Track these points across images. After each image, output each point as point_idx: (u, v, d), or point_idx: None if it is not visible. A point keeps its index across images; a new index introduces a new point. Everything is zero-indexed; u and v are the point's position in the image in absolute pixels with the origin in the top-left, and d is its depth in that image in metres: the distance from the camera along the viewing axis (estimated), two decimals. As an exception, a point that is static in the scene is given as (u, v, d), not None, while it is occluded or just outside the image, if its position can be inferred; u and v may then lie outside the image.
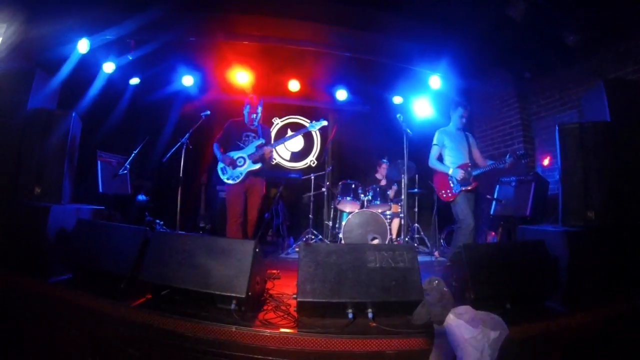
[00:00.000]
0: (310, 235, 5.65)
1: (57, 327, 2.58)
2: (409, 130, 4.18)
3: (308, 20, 4.91)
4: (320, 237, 5.71)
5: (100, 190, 4.72)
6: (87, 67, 5.03)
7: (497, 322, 2.22)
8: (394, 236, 5.71)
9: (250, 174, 4.17)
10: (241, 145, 4.29)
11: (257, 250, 2.49)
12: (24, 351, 2.64)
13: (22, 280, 2.77)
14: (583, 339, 2.52)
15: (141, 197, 6.18)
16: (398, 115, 4.28)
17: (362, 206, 5.43)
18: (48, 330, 2.60)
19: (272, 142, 4.43)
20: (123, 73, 5.71)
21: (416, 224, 6.07)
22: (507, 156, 3.87)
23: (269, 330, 2.17)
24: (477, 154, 4.15)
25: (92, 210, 3.69)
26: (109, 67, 5.37)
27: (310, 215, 5.82)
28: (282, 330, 2.19)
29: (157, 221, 5.73)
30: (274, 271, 3.54)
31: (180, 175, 4.58)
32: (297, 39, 5.41)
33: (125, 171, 5.09)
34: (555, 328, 2.44)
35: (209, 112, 4.68)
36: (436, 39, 5.05)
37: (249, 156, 4.20)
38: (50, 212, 2.99)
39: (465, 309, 2.28)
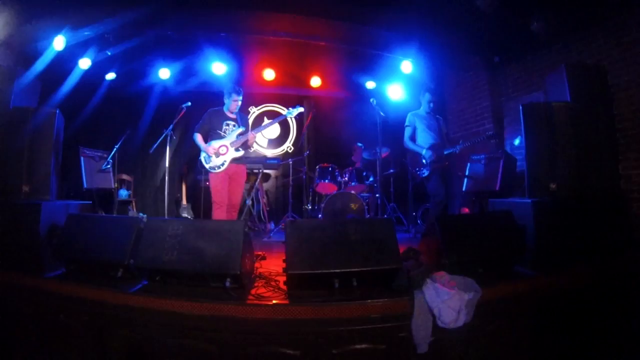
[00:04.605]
0: (290, 219, 5.77)
1: (58, 320, 2.67)
2: (382, 113, 4.39)
3: (286, 12, 4.98)
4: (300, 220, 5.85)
5: (85, 186, 4.74)
6: (63, 62, 4.98)
7: (470, 284, 2.45)
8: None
9: (233, 161, 4.29)
10: (222, 134, 4.36)
11: (246, 230, 2.65)
12: (26, 348, 2.73)
13: (20, 278, 2.83)
14: (549, 299, 2.78)
15: (123, 192, 6.20)
16: (371, 100, 4.48)
17: (339, 188, 5.56)
18: (49, 324, 2.69)
19: (251, 129, 4.52)
20: (99, 67, 5.65)
21: (393, 203, 6.23)
22: (460, 142, 4.25)
23: (262, 303, 2.34)
24: (447, 135, 4.43)
25: (80, 205, 3.75)
26: (84, 63, 5.31)
27: (290, 200, 5.95)
28: (275, 302, 2.37)
29: (140, 214, 5.78)
30: (260, 253, 3.67)
31: (166, 166, 4.64)
32: (275, 30, 5.48)
33: (109, 166, 5.11)
34: (524, 289, 2.69)
35: (189, 103, 4.73)
36: (410, 26, 5.16)
37: (231, 144, 4.30)
38: (42, 209, 3.00)
39: (441, 274, 2.50)
